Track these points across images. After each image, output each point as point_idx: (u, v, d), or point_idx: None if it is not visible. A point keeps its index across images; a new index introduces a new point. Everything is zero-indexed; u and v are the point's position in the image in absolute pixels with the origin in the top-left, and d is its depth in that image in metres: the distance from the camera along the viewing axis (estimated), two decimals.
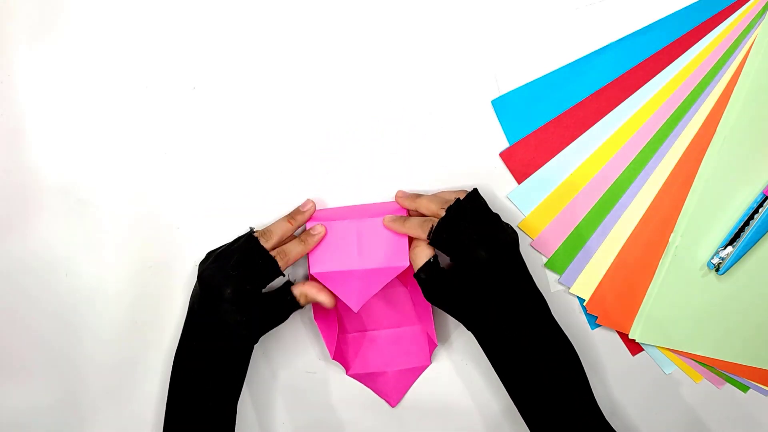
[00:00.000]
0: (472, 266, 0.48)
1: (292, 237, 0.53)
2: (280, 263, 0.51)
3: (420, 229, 0.50)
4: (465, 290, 0.48)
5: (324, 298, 0.52)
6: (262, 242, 0.51)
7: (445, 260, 0.50)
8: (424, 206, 0.51)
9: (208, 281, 0.50)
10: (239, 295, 0.49)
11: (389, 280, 0.52)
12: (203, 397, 0.50)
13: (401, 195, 0.54)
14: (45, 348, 0.58)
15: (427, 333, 0.56)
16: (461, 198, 0.49)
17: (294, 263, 0.52)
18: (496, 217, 0.50)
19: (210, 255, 0.54)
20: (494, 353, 0.49)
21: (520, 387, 0.48)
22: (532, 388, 0.47)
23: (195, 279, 0.57)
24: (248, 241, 0.51)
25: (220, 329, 0.50)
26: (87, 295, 0.57)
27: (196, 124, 0.55)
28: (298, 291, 0.52)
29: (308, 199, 0.55)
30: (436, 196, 0.52)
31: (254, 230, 0.52)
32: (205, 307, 0.50)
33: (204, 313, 0.50)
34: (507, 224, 0.51)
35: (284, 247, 0.52)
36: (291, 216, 0.53)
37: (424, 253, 0.50)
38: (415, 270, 0.50)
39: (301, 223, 0.53)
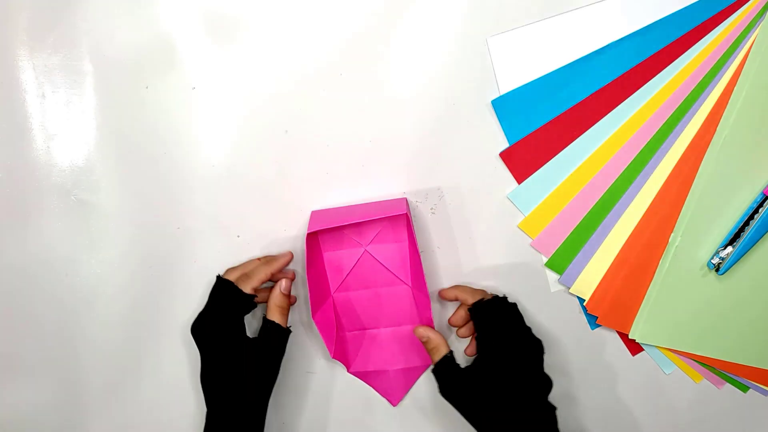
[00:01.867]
0: (494, 355, 0.49)
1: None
2: (245, 288, 0.51)
3: (470, 294, 0.52)
4: (480, 387, 0.48)
5: (285, 285, 0.53)
6: (241, 285, 0.51)
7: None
8: (462, 291, 0.54)
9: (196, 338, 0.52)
10: (227, 341, 0.50)
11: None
12: None
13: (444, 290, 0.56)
14: (45, 348, 0.58)
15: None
16: (498, 296, 0.53)
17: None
18: (529, 329, 0.51)
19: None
20: None
21: None
22: None
23: (195, 279, 0.57)
24: (217, 286, 0.52)
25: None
26: (87, 295, 0.57)
27: (196, 124, 0.55)
28: (272, 306, 0.52)
29: (288, 252, 0.55)
30: (468, 288, 0.54)
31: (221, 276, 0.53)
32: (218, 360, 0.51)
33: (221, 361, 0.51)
34: (537, 338, 0.51)
35: (248, 272, 0.53)
36: (266, 260, 0.54)
37: (439, 352, 0.51)
38: (434, 364, 0.51)
39: (277, 267, 0.53)
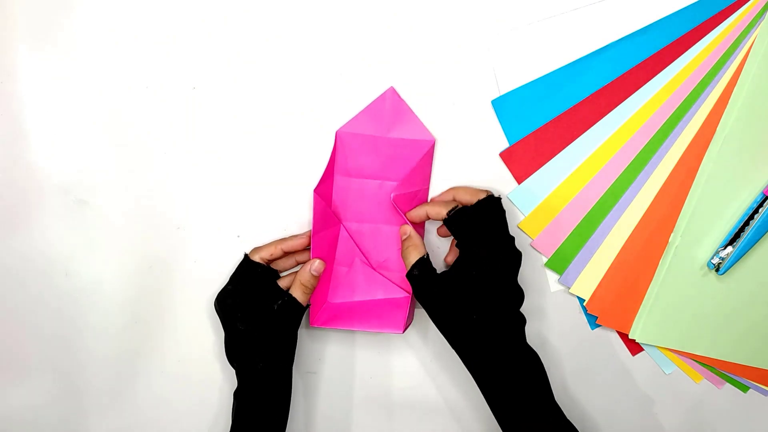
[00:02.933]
0: (473, 260, 0.48)
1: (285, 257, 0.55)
2: (253, 257, 0.53)
3: (443, 207, 0.50)
4: (452, 294, 0.48)
5: (318, 266, 0.52)
6: (251, 255, 0.54)
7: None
8: (461, 192, 0.52)
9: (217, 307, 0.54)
10: (247, 314, 0.52)
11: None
12: None
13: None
14: (45, 348, 0.58)
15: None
16: (491, 195, 0.50)
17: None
18: (512, 238, 0.50)
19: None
20: (472, 365, 0.49)
21: (492, 393, 0.49)
22: (503, 398, 0.48)
23: (194, 278, 0.57)
24: (242, 262, 0.54)
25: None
26: (87, 295, 0.57)
27: (196, 124, 0.55)
28: (286, 282, 0.54)
29: (307, 231, 0.55)
30: (468, 188, 0.52)
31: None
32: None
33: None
34: (517, 250, 0.50)
35: (261, 245, 0.55)
36: (282, 238, 0.55)
37: (416, 251, 0.51)
38: (408, 267, 0.51)
39: (290, 244, 0.54)
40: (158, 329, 0.58)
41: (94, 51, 0.55)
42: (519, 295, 0.50)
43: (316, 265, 0.52)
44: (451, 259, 0.55)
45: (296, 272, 0.55)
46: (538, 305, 0.57)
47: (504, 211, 0.50)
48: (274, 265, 0.55)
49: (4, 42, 0.55)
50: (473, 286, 0.48)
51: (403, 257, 0.52)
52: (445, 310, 0.49)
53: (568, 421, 0.48)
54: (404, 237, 0.52)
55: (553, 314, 0.57)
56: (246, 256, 0.54)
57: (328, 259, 0.55)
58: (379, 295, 0.56)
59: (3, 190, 0.56)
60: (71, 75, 0.55)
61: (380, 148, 0.54)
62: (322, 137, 0.55)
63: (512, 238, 0.50)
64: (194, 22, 0.54)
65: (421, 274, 0.50)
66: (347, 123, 0.54)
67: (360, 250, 0.56)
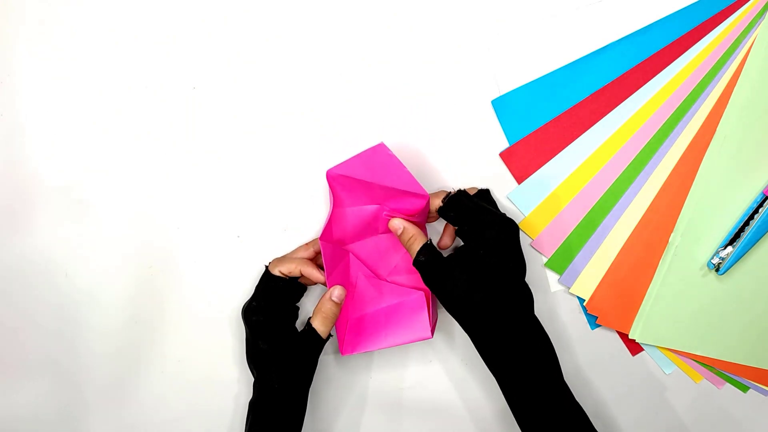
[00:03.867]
0: (477, 239, 0.48)
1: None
2: (273, 270, 0.52)
3: (435, 198, 0.50)
4: (464, 271, 0.47)
5: (339, 293, 0.51)
6: (271, 266, 0.52)
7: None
8: (433, 198, 0.51)
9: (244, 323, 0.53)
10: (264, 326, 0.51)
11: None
12: None
13: None
14: (45, 347, 0.58)
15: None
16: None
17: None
18: (503, 214, 0.50)
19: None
20: (483, 345, 0.48)
21: (505, 378, 0.48)
22: (515, 380, 0.48)
23: (194, 278, 0.57)
24: (263, 275, 0.53)
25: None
26: (87, 296, 0.57)
27: (196, 124, 0.55)
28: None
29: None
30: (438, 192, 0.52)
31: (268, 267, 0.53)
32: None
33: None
34: (511, 219, 0.50)
35: (284, 255, 0.54)
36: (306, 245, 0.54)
37: (418, 240, 0.49)
38: (414, 255, 0.49)
39: (310, 275, 0.52)
40: (158, 329, 0.58)
41: (94, 51, 0.55)
42: (522, 265, 0.49)
43: (338, 292, 0.51)
44: (447, 241, 0.54)
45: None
46: (538, 305, 0.56)
47: (488, 191, 0.52)
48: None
49: (4, 42, 0.55)
50: (481, 263, 0.47)
51: (407, 247, 0.50)
52: (455, 291, 0.47)
53: (576, 401, 0.48)
54: (399, 232, 0.50)
55: (553, 314, 0.57)
56: (266, 269, 0.53)
57: (345, 285, 0.53)
58: (394, 300, 0.55)
59: (3, 190, 0.56)
60: (71, 75, 0.55)
61: (374, 190, 0.52)
62: (322, 137, 0.55)
63: (504, 214, 0.50)
64: (194, 22, 0.54)
65: (427, 259, 0.49)
66: (337, 165, 0.51)
67: (367, 266, 0.55)
